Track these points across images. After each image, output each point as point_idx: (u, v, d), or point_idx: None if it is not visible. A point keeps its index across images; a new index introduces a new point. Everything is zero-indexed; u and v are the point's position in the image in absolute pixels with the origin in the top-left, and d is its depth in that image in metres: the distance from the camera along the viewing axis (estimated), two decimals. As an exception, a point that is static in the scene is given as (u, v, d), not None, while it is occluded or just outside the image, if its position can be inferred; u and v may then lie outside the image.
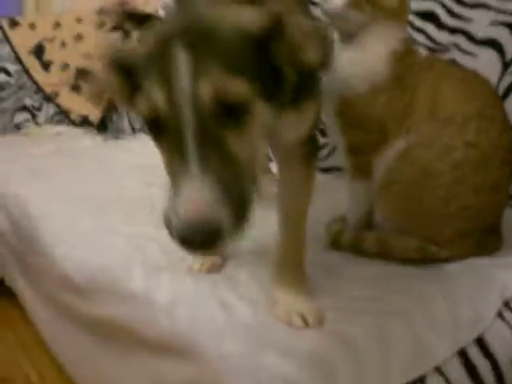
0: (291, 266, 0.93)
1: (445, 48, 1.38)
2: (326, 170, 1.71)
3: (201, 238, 0.57)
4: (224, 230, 0.58)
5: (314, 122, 0.91)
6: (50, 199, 1.73)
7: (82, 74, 3.03)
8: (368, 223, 1.13)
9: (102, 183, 1.83)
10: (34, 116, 3.11)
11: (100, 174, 1.98)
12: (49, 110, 3.11)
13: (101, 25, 2.99)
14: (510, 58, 1.34)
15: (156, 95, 0.62)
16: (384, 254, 1.06)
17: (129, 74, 0.68)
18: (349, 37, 1.07)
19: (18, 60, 3.09)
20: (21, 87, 3.10)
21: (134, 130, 2.83)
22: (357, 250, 1.10)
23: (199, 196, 0.57)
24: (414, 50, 1.13)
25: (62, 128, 2.98)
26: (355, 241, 1.11)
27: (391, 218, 1.08)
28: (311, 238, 0.99)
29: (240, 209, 0.61)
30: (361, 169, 1.10)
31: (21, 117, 3.10)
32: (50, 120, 3.10)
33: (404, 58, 1.08)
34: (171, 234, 0.61)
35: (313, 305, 0.87)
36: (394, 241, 1.06)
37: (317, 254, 1.09)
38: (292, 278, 0.91)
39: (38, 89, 3.10)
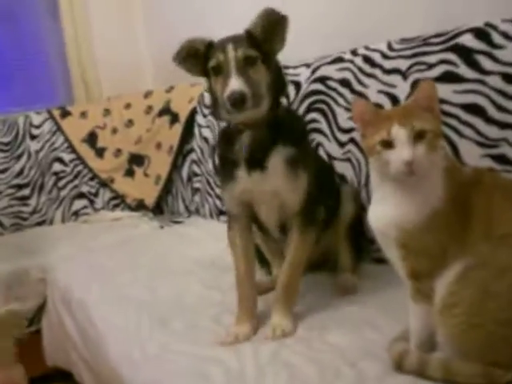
0: (286, 299, 1.42)
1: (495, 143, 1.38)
2: (380, 261, 1.69)
3: (238, 98, 1.25)
4: (248, 97, 1.26)
5: (308, 191, 1.41)
6: (113, 306, 1.77)
7: (134, 158, 3.12)
8: (432, 344, 1.11)
9: (161, 285, 1.86)
10: (91, 202, 3.21)
11: (158, 273, 2.01)
12: (105, 195, 3.22)
13: (149, 109, 3.08)
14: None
15: (220, 56, 1.33)
16: (449, 381, 1.04)
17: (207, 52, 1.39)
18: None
19: (72, 149, 3.21)
20: (77, 175, 3.21)
21: (189, 212, 2.88)
22: (420, 374, 1.08)
23: (237, 83, 1.27)
24: (457, 164, 1.13)
25: (118, 213, 3.07)
26: (419, 366, 1.09)
27: (453, 342, 1.06)
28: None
29: (255, 94, 1.30)
30: (423, 292, 1.09)
31: (79, 204, 3.22)
32: (107, 205, 3.20)
33: (454, 175, 1.08)
34: (224, 108, 1.32)
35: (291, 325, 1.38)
36: (459, 367, 1.04)
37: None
38: (284, 306, 1.41)
39: (94, 175, 3.21)
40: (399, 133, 1.02)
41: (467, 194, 1.06)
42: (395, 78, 1.65)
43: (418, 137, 1.02)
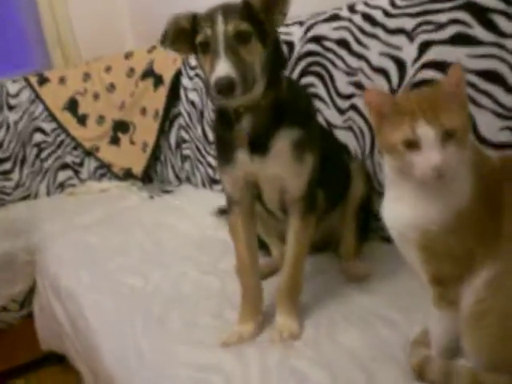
0: (289, 298, 1.31)
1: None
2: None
3: (225, 85, 1.08)
4: (237, 83, 1.09)
5: (311, 176, 1.28)
6: (104, 296, 1.66)
7: (119, 125, 2.96)
8: (455, 351, 1.00)
9: (154, 271, 1.74)
10: (76, 172, 3.07)
11: (151, 256, 1.89)
12: (90, 164, 3.07)
13: (130, 71, 2.90)
14: None
15: (207, 31, 1.15)
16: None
17: (194, 27, 1.20)
18: None
19: (53, 118, 3.04)
20: (59, 145, 3.06)
21: (179, 181, 2.74)
22: (445, 384, 0.98)
23: (224, 67, 1.09)
24: (484, 155, 0.99)
25: (105, 184, 2.93)
26: (443, 375, 0.98)
27: (481, 353, 0.95)
28: None
29: (246, 78, 1.12)
30: (447, 298, 0.97)
31: (63, 175, 3.09)
32: (93, 175, 3.06)
33: (482, 169, 0.94)
34: (212, 92, 1.11)
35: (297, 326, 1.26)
36: (487, 378, 0.94)
37: None
38: (288, 306, 1.30)
39: (77, 145, 3.05)
40: (426, 133, 0.87)
41: (497, 190, 0.93)
42: (400, 39, 1.48)
43: (446, 136, 0.87)
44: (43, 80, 3.05)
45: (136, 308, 1.53)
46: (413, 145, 0.89)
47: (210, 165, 2.43)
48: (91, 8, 3.31)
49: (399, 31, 1.48)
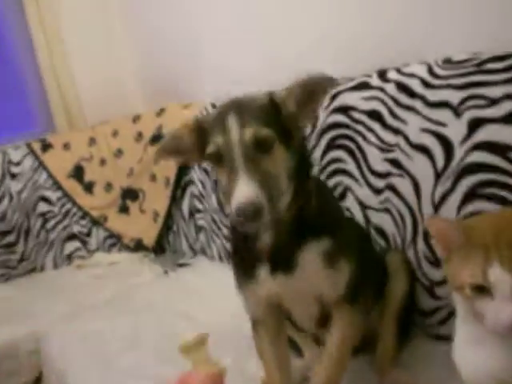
0: None
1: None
2: (438, 338, 1.37)
3: (249, 214, 0.88)
4: (263, 208, 0.89)
5: (351, 280, 1.08)
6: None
7: (127, 193, 2.79)
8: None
9: (168, 372, 1.53)
10: (84, 243, 2.89)
11: (167, 354, 1.68)
12: (99, 234, 2.89)
13: (139, 136, 2.74)
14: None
15: (219, 139, 0.96)
16: None
17: (202, 135, 1.01)
18: None
19: (58, 186, 2.88)
20: (65, 215, 2.89)
21: (193, 252, 2.54)
22: None
23: (246, 190, 0.89)
24: None
25: (116, 256, 2.74)
26: None
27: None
28: None
29: (274, 199, 0.93)
30: None
31: (71, 246, 2.92)
32: (102, 245, 2.87)
33: None
34: (232, 216, 0.91)
35: None
36: None
37: None
38: None
39: (85, 214, 2.88)
40: (501, 280, 0.69)
41: None
42: (444, 114, 1.30)
43: None
44: (46, 146, 2.90)
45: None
46: (483, 290, 0.71)
47: (225, 237, 2.24)
48: (96, 69, 3.17)
49: (442, 104, 1.30)
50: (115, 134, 2.86)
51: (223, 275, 2.15)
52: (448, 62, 1.34)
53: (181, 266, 2.44)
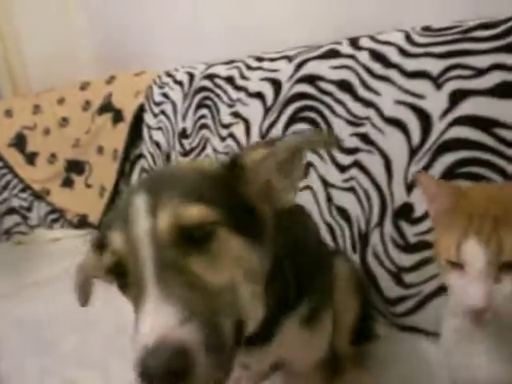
0: None
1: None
2: (404, 329, 1.27)
3: (165, 366, 0.49)
4: (193, 353, 0.50)
5: (328, 342, 0.90)
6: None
7: (72, 165, 2.61)
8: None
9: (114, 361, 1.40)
10: (24, 218, 2.71)
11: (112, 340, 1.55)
12: (40, 209, 2.70)
13: (86, 104, 2.56)
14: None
15: (115, 239, 0.63)
16: None
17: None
18: None
19: (-2, 155, 2.68)
20: (5, 187, 2.71)
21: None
22: None
23: (159, 320, 0.52)
24: None
25: (57, 232, 2.57)
26: None
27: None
28: None
29: (215, 336, 0.55)
30: None
31: (10, 221, 2.73)
32: (44, 221, 2.69)
33: None
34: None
35: None
36: None
37: None
38: None
39: (26, 186, 2.69)
40: (475, 254, 0.60)
41: None
42: (422, 85, 1.18)
43: (506, 268, 0.61)
44: (-13, 112, 2.70)
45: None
46: (457, 266, 0.64)
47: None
48: (44, 32, 2.96)
49: (421, 74, 1.19)
50: (61, 101, 2.67)
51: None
52: (428, 29, 1.23)
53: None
